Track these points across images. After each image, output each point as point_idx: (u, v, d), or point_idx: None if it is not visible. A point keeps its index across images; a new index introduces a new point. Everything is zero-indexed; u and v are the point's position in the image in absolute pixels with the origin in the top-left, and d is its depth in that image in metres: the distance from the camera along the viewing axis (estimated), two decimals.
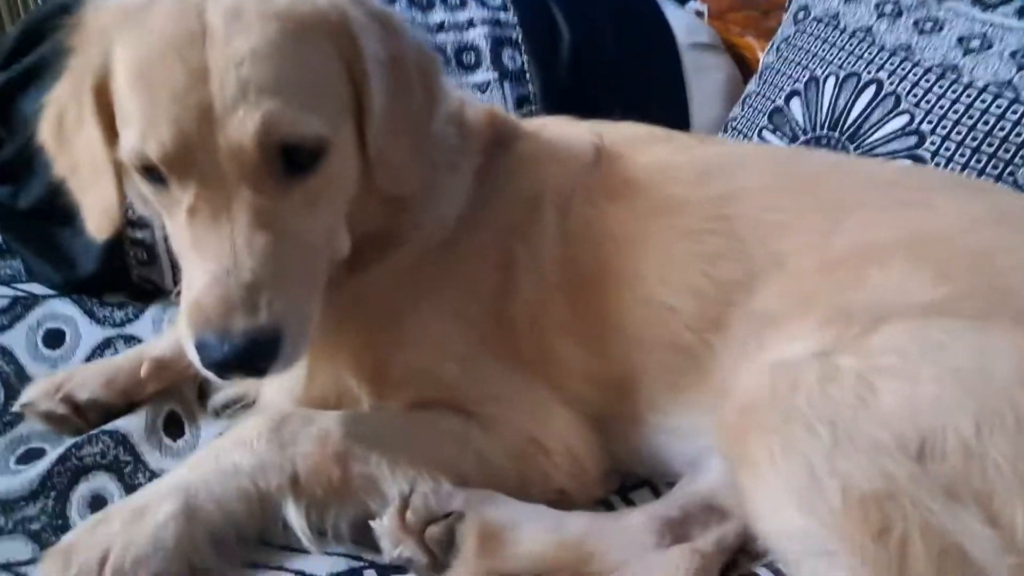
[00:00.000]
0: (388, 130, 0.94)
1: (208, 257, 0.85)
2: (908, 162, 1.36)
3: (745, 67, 1.96)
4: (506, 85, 1.64)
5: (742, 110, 1.70)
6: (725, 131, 1.72)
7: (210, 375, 0.88)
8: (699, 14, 2.00)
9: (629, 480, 1.11)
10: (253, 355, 0.83)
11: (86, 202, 1.00)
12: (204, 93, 0.84)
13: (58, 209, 1.26)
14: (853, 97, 1.47)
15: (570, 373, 1.07)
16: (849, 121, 1.46)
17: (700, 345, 1.04)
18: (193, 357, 0.86)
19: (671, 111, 1.78)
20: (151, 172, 0.89)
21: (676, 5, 1.98)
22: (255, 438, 0.94)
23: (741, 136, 1.65)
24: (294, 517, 0.92)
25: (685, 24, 1.88)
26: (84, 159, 0.98)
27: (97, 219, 1.00)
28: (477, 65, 1.65)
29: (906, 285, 0.94)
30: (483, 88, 1.63)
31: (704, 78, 1.84)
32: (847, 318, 0.92)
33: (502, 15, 1.70)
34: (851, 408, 0.84)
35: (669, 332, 1.05)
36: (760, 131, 1.61)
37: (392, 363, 1.05)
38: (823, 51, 1.56)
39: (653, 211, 1.09)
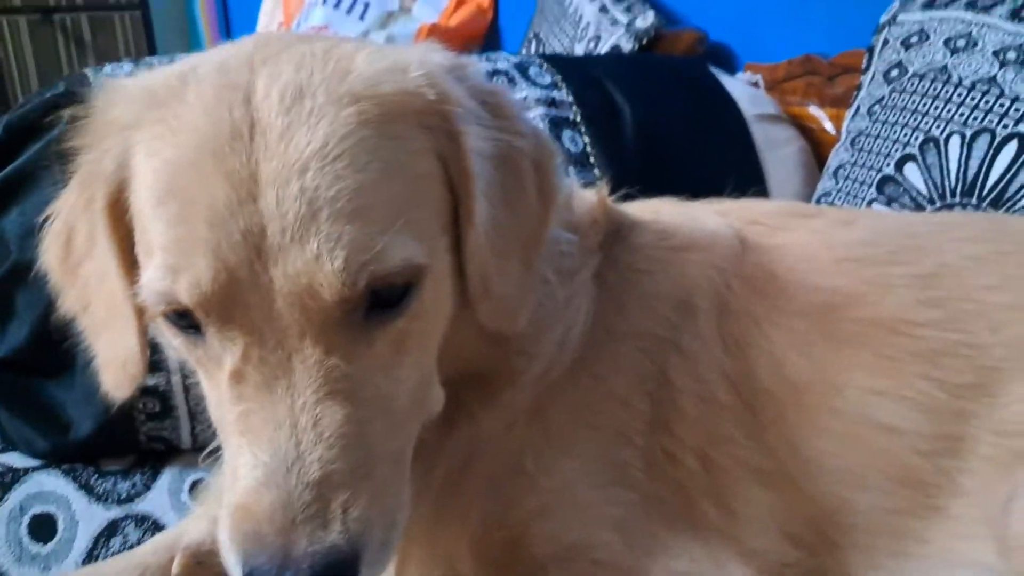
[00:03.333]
0: (494, 250, 0.70)
1: (261, 442, 0.61)
2: None
3: (809, 139, 1.78)
4: (571, 170, 1.41)
5: (836, 183, 1.49)
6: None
7: None
8: (754, 85, 1.81)
9: None
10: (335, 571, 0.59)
11: (100, 349, 0.73)
12: (254, 214, 0.61)
13: (45, 356, 0.98)
14: (989, 156, 1.26)
15: (759, 528, 0.78)
16: (989, 184, 1.24)
17: (935, 474, 0.78)
18: None
19: (749, 188, 1.56)
20: (183, 317, 0.64)
21: (729, 77, 1.80)
22: None
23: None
24: None
25: (747, 95, 1.69)
26: (98, 294, 0.71)
27: (115, 373, 0.72)
28: None
29: None
30: None
31: (777, 152, 1.64)
32: None
33: (556, 94, 1.49)
34: None
35: (890, 460, 0.78)
36: (868, 204, 1.39)
37: (530, 541, 0.75)
38: (936, 109, 1.35)
39: (840, 303, 0.84)
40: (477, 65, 0.78)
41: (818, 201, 1.52)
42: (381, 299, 0.63)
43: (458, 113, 0.69)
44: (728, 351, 0.83)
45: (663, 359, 0.82)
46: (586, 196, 0.94)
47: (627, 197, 1.02)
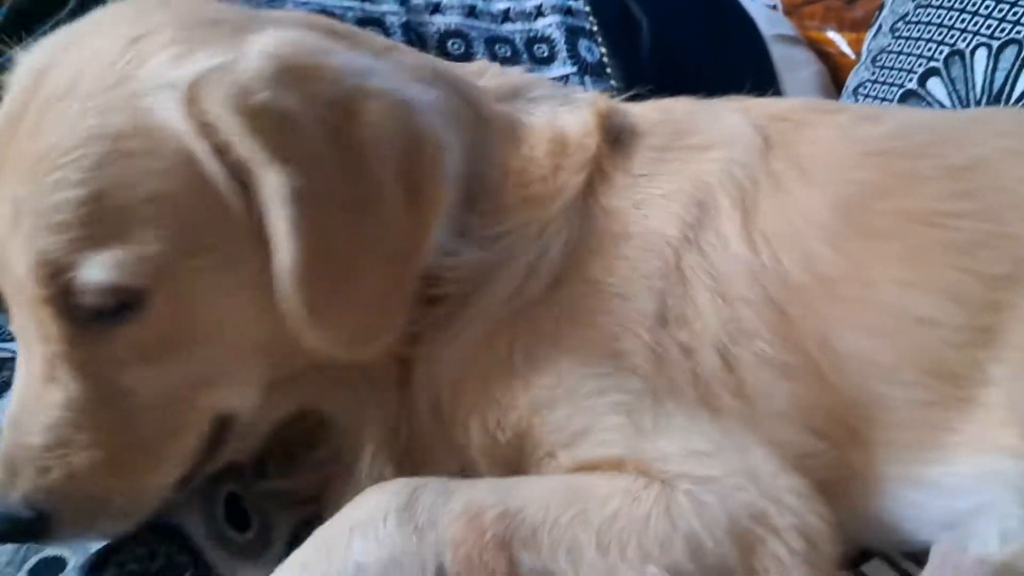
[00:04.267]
0: (319, 277, 0.66)
1: (14, 393, 0.69)
2: None
3: (828, 64, 1.75)
4: (588, 79, 1.39)
5: (856, 101, 1.47)
6: None
7: None
8: (772, 7, 1.79)
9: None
10: (11, 530, 0.68)
11: None
12: None
13: None
14: (1016, 67, 1.24)
15: (784, 421, 0.77)
16: (1016, 95, 1.23)
17: (967, 365, 0.77)
18: None
19: None
20: None
21: None
22: (379, 519, 0.66)
23: None
24: None
25: (765, 15, 1.67)
26: None
27: None
28: (552, 58, 1.41)
29: None
30: (561, 83, 1.38)
31: (795, 73, 1.62)
32: None
33: (572, 2, 1.46)
34: None
35: (922, 352, 0.77)
36: None
37: (536, 434, 0.76)
38: (963, 22, 1.33)
39: (871, 194, 0.83)
40: (335, 65, 0.72)
41: None
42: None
43: (243, 139, 0.64)
44: (754, 248, 0.81)
45: (675, 257, 0.80)
46: (582, 103, 0.91)
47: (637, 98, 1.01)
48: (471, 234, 0.79)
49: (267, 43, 0.69)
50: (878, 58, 1.47)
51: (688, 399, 0.75)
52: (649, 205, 0.83)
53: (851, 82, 1.53)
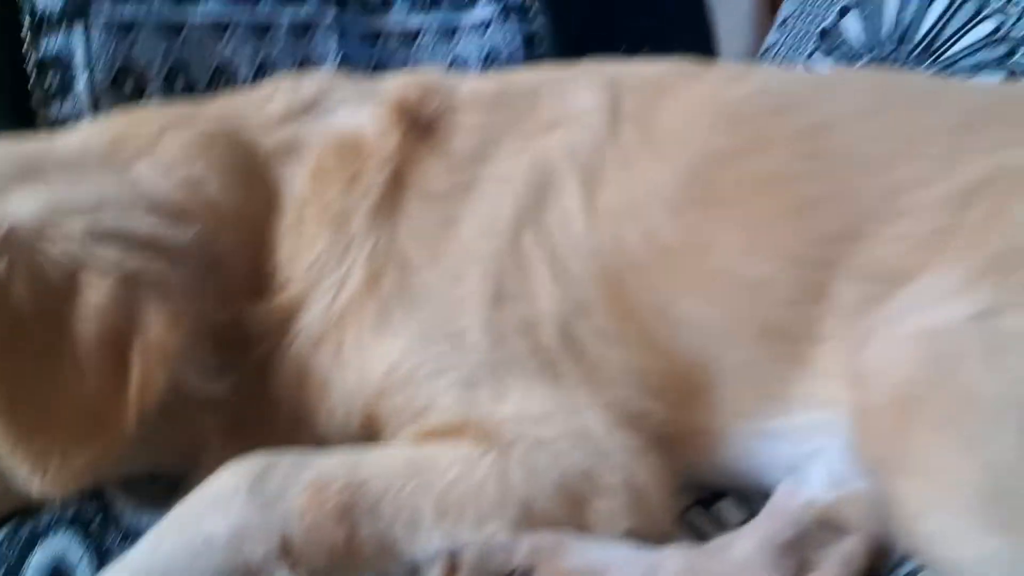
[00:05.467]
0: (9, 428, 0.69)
1: None
2: (996, 79, 1.14)
3: None
4: (510, 22, 1.40)
5: (781, 36, 1.47)
6: (763, 60, 1.50)
7: None
8: None
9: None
10: None
11: None
12: None
13: None
14: (925, 4, 1.24)
15: (625, 385, 0.83)
16: (921, 33, 1.24)
17: (799, 323, 0.82)
18: None
19: (697, 42, 1.56)
20: None
21: None
22: (231, 494, 0.71)
23: (787, 65, 1.42)
24: None
25: None
26: None
27: None
28: (474, 1, 1.41)
29: None
30: (483, 27, 1.39)
31: (729, 3, 1.61)
32: (1003, 263, 0.72)
33: None
34: None
35: (757, 312, 0.82)
36: (810, 56, 1.39)
37: (382, 417, 0.82)
38: None
39: (717, 160, 0.86)
40: (57, 235, 0.74)
41: (763, 54, 1.51)
42: None
43: None
44: (596, 223, 0.84)
45: (512, 237, 0.84)
46: (375, 106, 0.91)
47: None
48: (272, 282, 0.84)
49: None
50: None
51: (528, 369, 0.80)
52: (481, 186, 0.86)
53: (781, 13, 1.53)
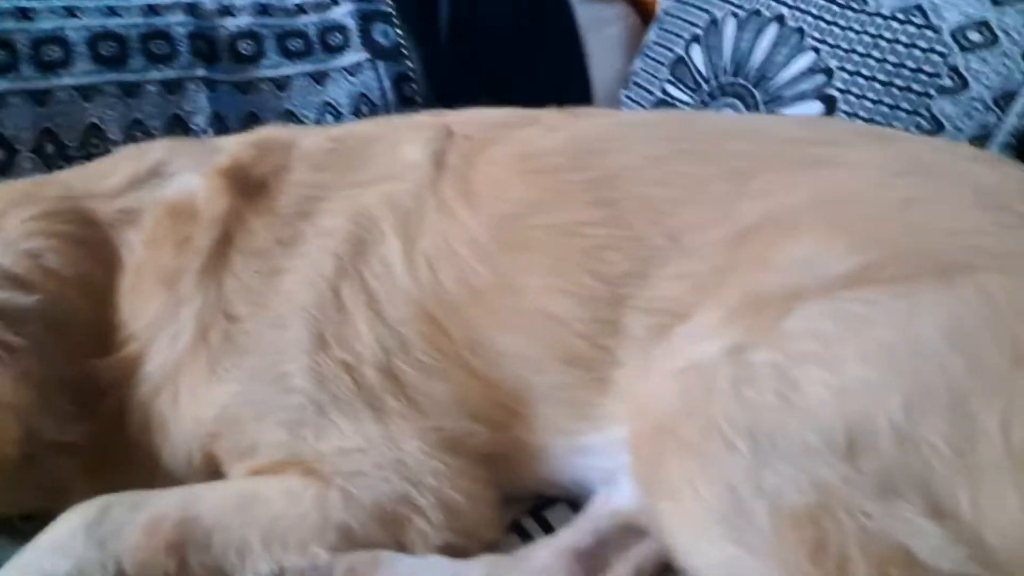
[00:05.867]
0: None
1: None
2: (818, 105, 1.23)
3: (645, 14, 1.82)
4: (380, 65, 1.48)
5: (643, 63, 1.56)
6: (627, 87, 1.58)
7: None
8: None
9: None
10: None
11: None
12: None
13: None
14: (755, 37, 1.34)
15: (447, 413, 0.91)
16: (753, 64, 1.33)
17: (597, 353, 0.91)
18: None
19: (569, 72, 1.64)
20: None
21: None
22: (70, 536, 0.80)
23: (645, 92, 1.51)
24: None
25: None
26: None
27: None
28: (345, 46, 1.48)
29: (819, 256, 0.82)
30: (353, 71, 1.47)
31: (601, 31, 1.70)
32: (757, 303, 0.81)
33: None
34: (773, 411, 0.74)
35: (558, 345, 0.91)
36: (663, 86, 1.47)
37: (218, 458, 0.91)
38: None
39: (522, 211, 0.95)
40: None
41: (629, 81, 1.60)
42: None
43: None
44: (415, 270, 0.93)
45: (332, 287, 0.92)
46: (209, 170, 0.99)
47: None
48: (117, 339, 0.92)
49: None
50: (662, 20, 1.56)
51: (351, 407, 0.89)
52: (304, 241, 0.94)
53: (645, 41, 1.61)
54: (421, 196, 0.96)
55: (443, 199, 0.96)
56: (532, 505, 0.99)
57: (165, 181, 1.00)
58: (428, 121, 1.08)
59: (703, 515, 0.73)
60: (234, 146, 1.04)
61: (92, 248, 0.94)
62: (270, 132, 1.10)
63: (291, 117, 1.43)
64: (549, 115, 1.07)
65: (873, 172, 0.90)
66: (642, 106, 1.51)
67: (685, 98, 1.42)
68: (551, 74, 1.62)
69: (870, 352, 0.74)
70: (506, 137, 1.02)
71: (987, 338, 0.73)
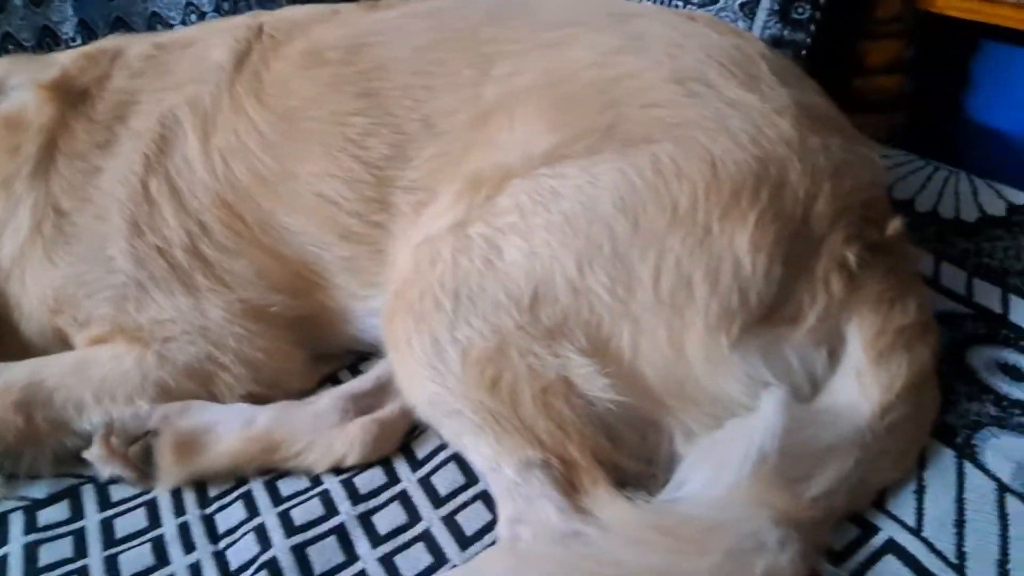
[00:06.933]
0: None
1: None
2: None
3: None
4: None
5: None
6: None
7: None
8: None
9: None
10: None
11: None
12: None
13: None
14: None
15: (251, 285, 1.08)
16: None
17: (371, 229, 1.06)
18: None
19: None
20: None
21: None
22: None
23: None
24: None
25: None
26: None
27: None
28: None
29: (526, 136, 0.94)
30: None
31: None
32: (477, 184, 0.94)
33: None
34: (478, 274, 0.88)
35: (336, 223, 1.06)
36: None
37: (62, 328, 1.10)
38: None
39: (301, 104, 1.08)
40: None
41: None
42: None
43: None
44: (211, 164, 1.08)
45: (141, 182, 1.08)
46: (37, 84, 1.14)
47: None
48: None
49: None
50: None
51: (167, 283, 1.06)
52: (119, 142, 1.10)
53: None
54: (219, 96, 1.10)
55: (236, 97, 1.10)
56: (351, 361, 1.16)
57: (2, 96, 1.15)
58: (243, 22, 1.19)
59: (414, 362, 0.89)
60: (67, 59, 1.18)
61: None
62: (103, 43, 1.23)
63: (157, 19, 1.54)
64: (348, 9, 1.18)
65: (596, 52, 0.99)
66: None
67: None
68: None
69: (555, 220, 0.87)
70: (302, 34, 1.14)
71: (650, 202, 0.86)
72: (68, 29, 1.47)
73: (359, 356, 1.16)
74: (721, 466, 0.79)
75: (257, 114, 1.09)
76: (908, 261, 0.95)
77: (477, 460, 0.87)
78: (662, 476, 0.84)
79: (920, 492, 0.82)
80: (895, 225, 0.90)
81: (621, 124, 0.92)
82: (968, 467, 0.84)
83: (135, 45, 1.20)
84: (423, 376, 0.89)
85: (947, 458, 0.85)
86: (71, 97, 1.13)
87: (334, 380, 1.13)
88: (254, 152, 1.08)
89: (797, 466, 0.79)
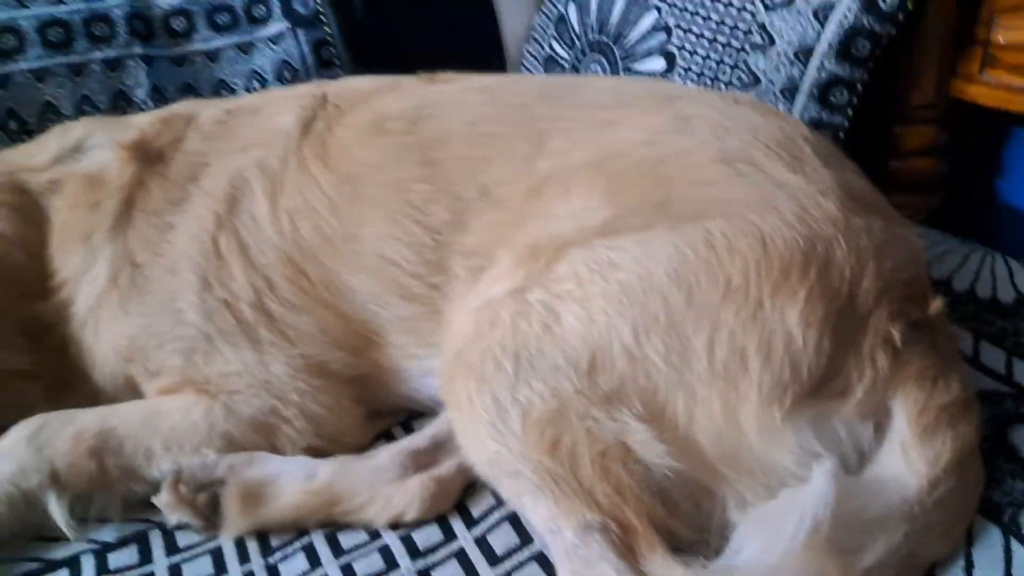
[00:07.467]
0: None
1: None
2: (661, 62, 1.39)
3: None
4: (300, 32, 1.66)
5: (539, 18, 1.71)
6: (528, 42, 1.73)
7: None
8: None
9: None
10: None
11: None
12: None
13: None
14: None
15: (314, 341, 1.14)
16: (613, 23, 1.48)
17: (429, 291, 1.11)
18: None
19: (480, 27, 1.79)
20: None
21: None
22: (14, 445, 1.05)
23: (539, 47, 1.67)
24: (55, 509, 1.02)
25: None
26: None
27: None
28: (268, 17, 1.67)
29: (582, 209, 0.99)
30: (276, 40, 1.65)
31: None
32: (536, 252, 0.98)
33: None
34: (536, 339, 0.92)
35: (397, 284, 1.12)
36: (550, 42, 1.63)
37: (134, 377, 1.15)
38: None
39: (365, 170, 1.15)
40: None
41: (528, 35, 1.75)
42: None
43: None
44: (279, 223, 1.15)
45: (212, 239, 1.15)
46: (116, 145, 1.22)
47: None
48: (53, 285, 1.16)
49: None
50: None
51: (234, 338, 1.12)
52: (191, 201, 1.17)
53: None
54: (286, 159, 1.17)
55: (303, 160, 1.17)
56: (404, 418, 1.21)
57: (83, 155, 1.23)
58: (308, 91, 1.27)
59: (475, 421, 0.92)
60: (143, 122, 1.26)
61: (28, 213, 1.18)
62: (177, 108, 1.31)
63: (223, 86, 1.64)
64: (408, 82, 1.25)
65: (643, 132, 1.05)
66: (536, 60, 1.67)
67: (565, 55, 1.58)
68: (464, 32, 1.76)
69: (612, 290, 0.91)
70: (364, 103, 1.21)
71: (704, 275, 0.90)
72: (141, 93, 1.56)
73: (411, 413, 1.20)
74: (776, 534, 0.81)
75: (323, 177, 1.16)
76: (949, 339, 0.98)
77: (536, 521, 0.90)
78: (714, 543, 0.86)
79: (968, 569, 0.85)
80: (937, 303, 0.94)
81: (673, 200, 0.97)
82: (1015, 545, 0.86)
83: (206, 110, 1.28)
84: (484, 435, 0.91)
85: (994, 535, 0.87)
86: (148, 158, 1.20)
87: (388, 436, 1.17)
88: (320, 213, 1.14)
89: (849, 536, 0.81)
